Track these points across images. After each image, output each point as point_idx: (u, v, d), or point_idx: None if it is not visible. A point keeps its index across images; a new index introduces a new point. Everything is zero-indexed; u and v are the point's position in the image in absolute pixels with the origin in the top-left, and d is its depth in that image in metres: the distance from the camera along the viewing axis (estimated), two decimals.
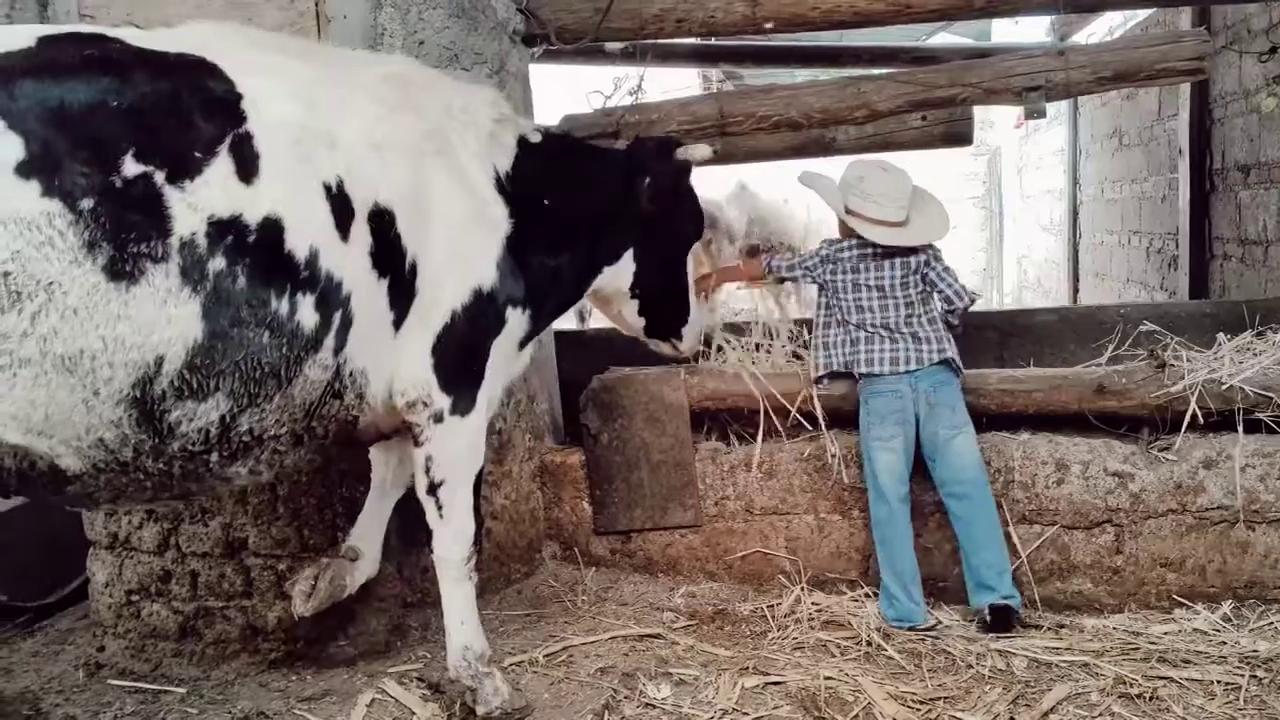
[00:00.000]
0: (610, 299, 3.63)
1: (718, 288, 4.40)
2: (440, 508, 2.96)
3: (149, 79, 2.19)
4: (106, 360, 2.08)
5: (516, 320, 3.09)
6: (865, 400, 3.75)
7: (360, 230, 2.54)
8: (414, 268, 2.72)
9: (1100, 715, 3.00)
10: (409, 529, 3.66)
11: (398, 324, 2.72)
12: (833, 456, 3.87)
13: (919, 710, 3.08)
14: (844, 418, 3.94)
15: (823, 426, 3.90)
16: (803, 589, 3.88)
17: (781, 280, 4.29)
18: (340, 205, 2.48)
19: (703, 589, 4.01)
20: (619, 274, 3.50)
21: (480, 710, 2.98)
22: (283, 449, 2.51)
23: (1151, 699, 3.07)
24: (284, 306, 2.33)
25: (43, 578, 4.01)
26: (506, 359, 3.15)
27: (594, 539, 4.15)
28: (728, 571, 4.05)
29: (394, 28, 3.55)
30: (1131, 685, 3.13)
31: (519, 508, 4.03)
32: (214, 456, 2.34)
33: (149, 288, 2.11)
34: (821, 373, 3.88)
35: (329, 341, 2.46)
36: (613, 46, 4.89)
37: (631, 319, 3.66)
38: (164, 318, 2.13)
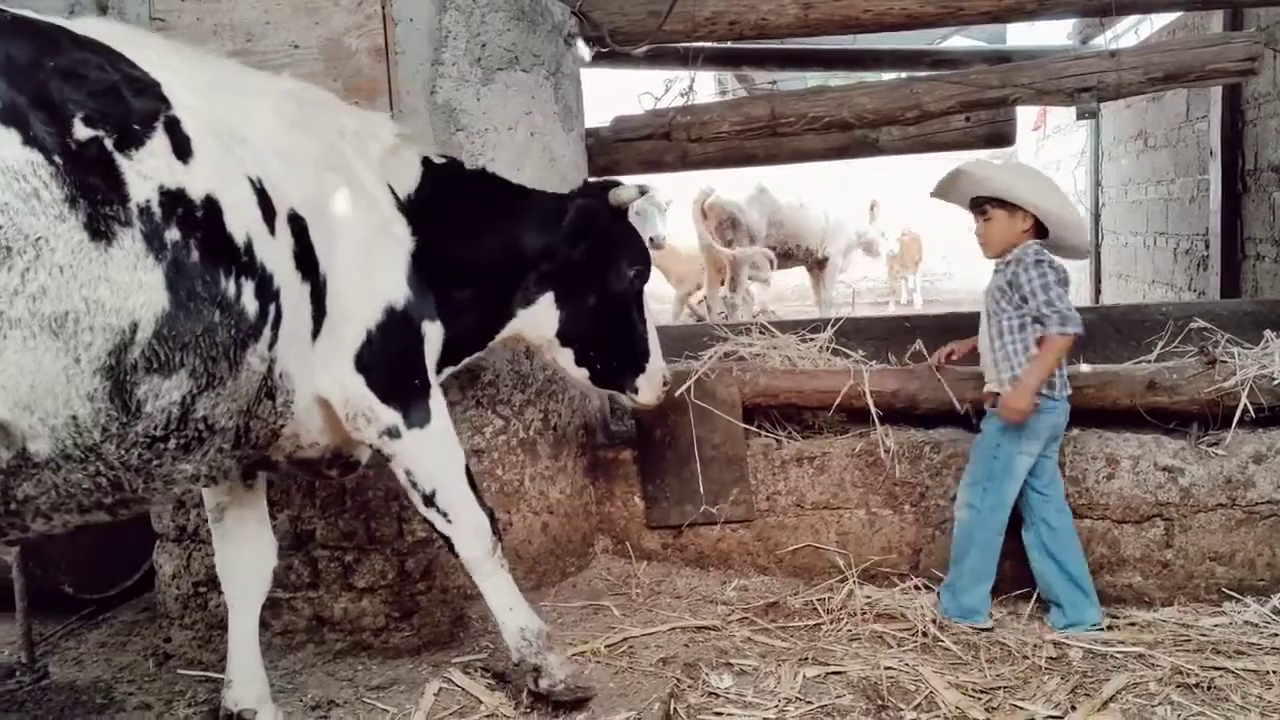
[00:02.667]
0: (540, 347, 3.44)
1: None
2: (445, 514, 2.98)
3: (76, 48, 2.15)
4: (89, 324, 2.00)
5: (435, 333, 3.04)
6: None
7: (283, 229, 2.51)
8: (324, 281, 2.67)
9: (1160, 704, 3.05)
10: None
11: (314, 335, 2.69)
12: (886, 452, 3.92)
13: (980, 699, 3.13)
14: (896, 414, 3.99)
15: (875, 422, 3.94)
16: (855, 582, 3.94)
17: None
18: (264, 200, 2.45)
19: (754, 582, 4.07)
20: (538, 319, 3.29)
21: (544, 684, 3.04)
22: (225, 446, 2.44)
23: (1209, 689, 3.12)
24: (231, 287, 2.30)
25: (104, 570, 4.07)
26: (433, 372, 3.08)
27: (646, 533, 4.20)
28: (778, 565, 4.11)
29: (458, 30, 3.62)
30: (1188, 675, 3.18)
31: (573, 502, 4.09)
32: (170, 445, 2.27)
33: (121, 250, 2.04)
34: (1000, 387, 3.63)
35: (266, 333, 2.43)
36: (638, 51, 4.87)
37: (570, 369, 3.39)
38: (136, 282, 2.07)
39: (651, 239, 9.85)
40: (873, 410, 3.94)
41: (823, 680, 3.28)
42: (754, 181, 9.85)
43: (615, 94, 5.78)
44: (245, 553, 2.97)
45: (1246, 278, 6.45)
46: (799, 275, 12.78)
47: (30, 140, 1.92)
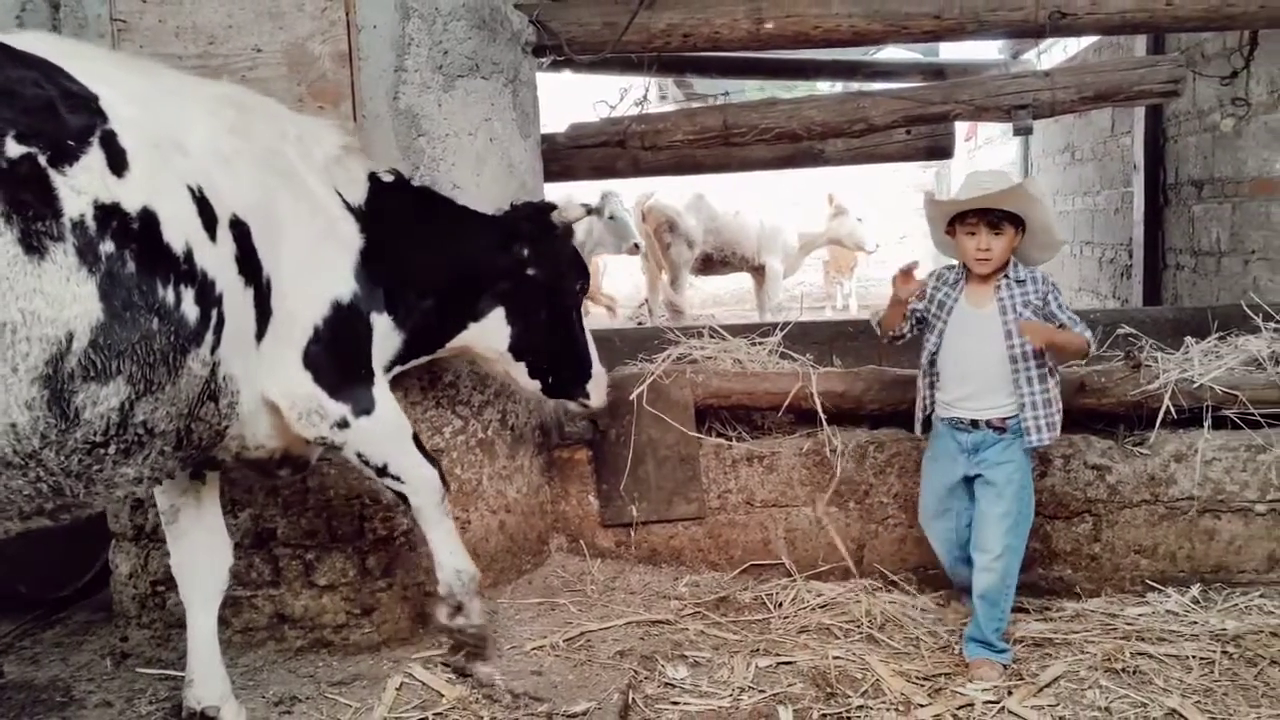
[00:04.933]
0: (490, 360, 3.57)
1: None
2: (397, 478, 3.14)
3: (13, 65, 2.19)
4: (25, 334, 2.05)
5: (383, 324, 3.14)
6: None
7: (225, 235, 2.56)
8: (269, 284, 2.74)
9: (1090, 688, 3.24)
10: None
11: (259, 337, 2.75)
12: (832, 451, 4.08)
13: (924, 686, 3.29)
14: (842, 415, 4.15)
15: (822, 423, 4.09)
16: (802, 578, 4.09)
17: None
18: (204, 209, 2.49)
19: (705, 578, 4.18)
20: (488, 332, 3.45)
21: (460, 621, 3.32)
22: (167, 449, 2.48)
23: (1135, 673, 3.32)
24: (170, 295, 2.34)
25: (59, 571, 4.05)
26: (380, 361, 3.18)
27: (600, 531, 4.31)
28: (729, 561, 4.24)
29: (420, 37, 3.69)
30: (1116, 661, 3.37)
31: (529, 501, 4.18)
32: (111, 450, 2.31)
33: (54, 264, 2.09)
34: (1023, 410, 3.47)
35: (208, 337, 2.48)
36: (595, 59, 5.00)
37: (525, 382, 3.58)
38: (70, 294, 2.11)
39: (636, 245, 9.99)
40: (820, 411, 4.09)
41: (774, 670, 3.41)
42: (691, 190, 10.06)
43: (558, 98, 5.89)
44: (201, 552, 3.02)
45: (1167, 286, 6.76)
46: (738, 279, 13.01)
47: None
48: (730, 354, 4.49)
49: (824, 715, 3.13)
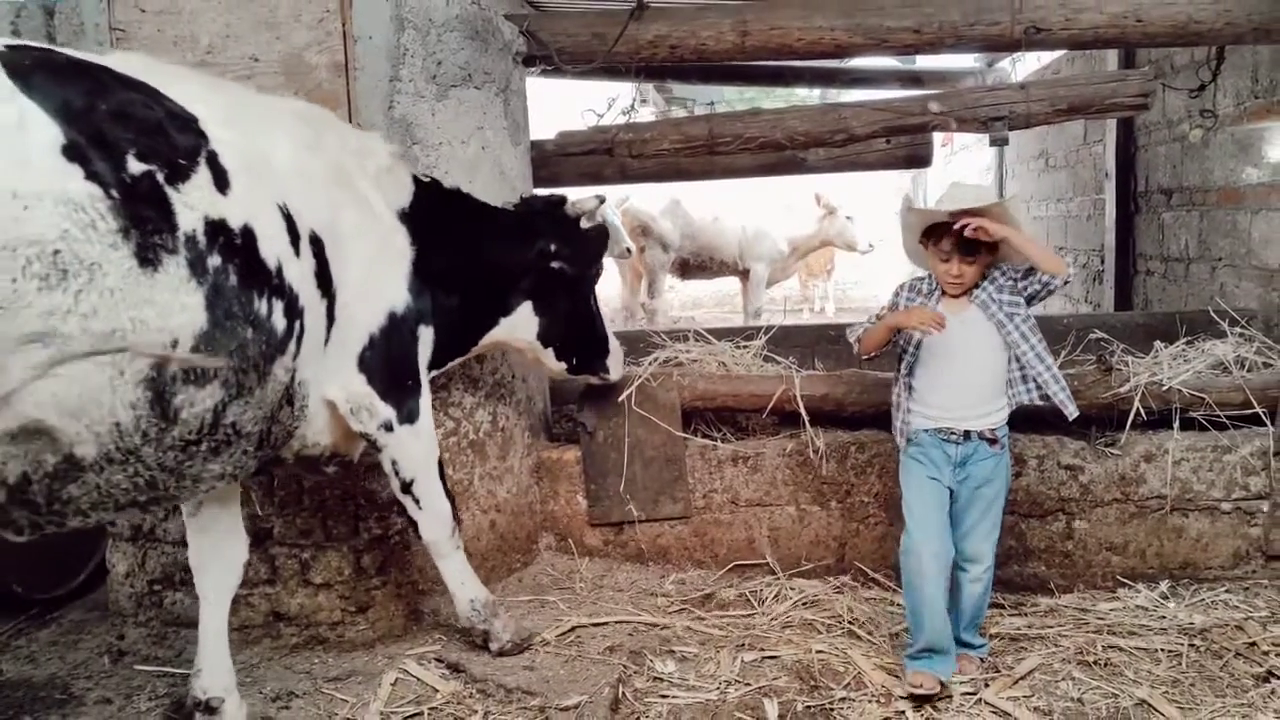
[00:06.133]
0: (523, 350, 3.80)
1: None
2: (417, 500, 3.33)
3: (123, 88, 2.30)
4: (134, 341, 2.15)
5: (428, 336, 3.33)
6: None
7: (306, 250, 2.71)
8: (335, 293, 2.89)
9: (1063, 680, 3.35)
10: None
11: (325, 344, 2.89)
12: (815, 452, 4.19)
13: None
14: (824, 416, 4.26)
15: (805, 424, 4.20)
16: (785, 575, 4.20)
17: None
18: (290, 225, 2.64)
19: (691, 576, 4.29)
20: (518, 326, 3.66)
21: (494, 646, 3.48)
22: (250, 448, 2.62)
23: (1106, 665, 3.44)
24: (263, 307, 2.48)
25: (53, 570, 4.10)
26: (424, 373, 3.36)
27: (588, 530, 4.40)
28: (714, 559, 4.34)
29: (415, 48, 3.77)
30: (1088, 654, 3.50)
31: (519, 501, 4.27)
32: (202, 448, 2.43)
33: (166, 275, 2.20)
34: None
35: (291, 347, 2.63)
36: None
37: (552, 364, 3.84)
38: (178, 304, 2.23)
39: (627, 249, 10.05)
40: (803, 413, 4.20)
41: (759, 664, 3.51)
42: (669, 194, 10.11)
43: (545, 104, 5.97)
44: (219, 548, 3.10)
45: (1138, 291, 6.93)
46: (719, 282, 13.09)
47: (91, 175, 2.07)
48: (716, 357, 4.61)
49: (808, 707, 3.23)
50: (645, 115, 4.87)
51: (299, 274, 2.64)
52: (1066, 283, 3.38)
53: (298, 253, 2.65)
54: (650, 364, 4.36)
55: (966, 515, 3.41)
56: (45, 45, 2.35)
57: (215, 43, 3.64)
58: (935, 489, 3.37)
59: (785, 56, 4.23)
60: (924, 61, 11.13)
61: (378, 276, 3.10)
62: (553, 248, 3.59)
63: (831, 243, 10.91)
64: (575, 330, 3.80)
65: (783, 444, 4.29)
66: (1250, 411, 4.03)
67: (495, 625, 3.50)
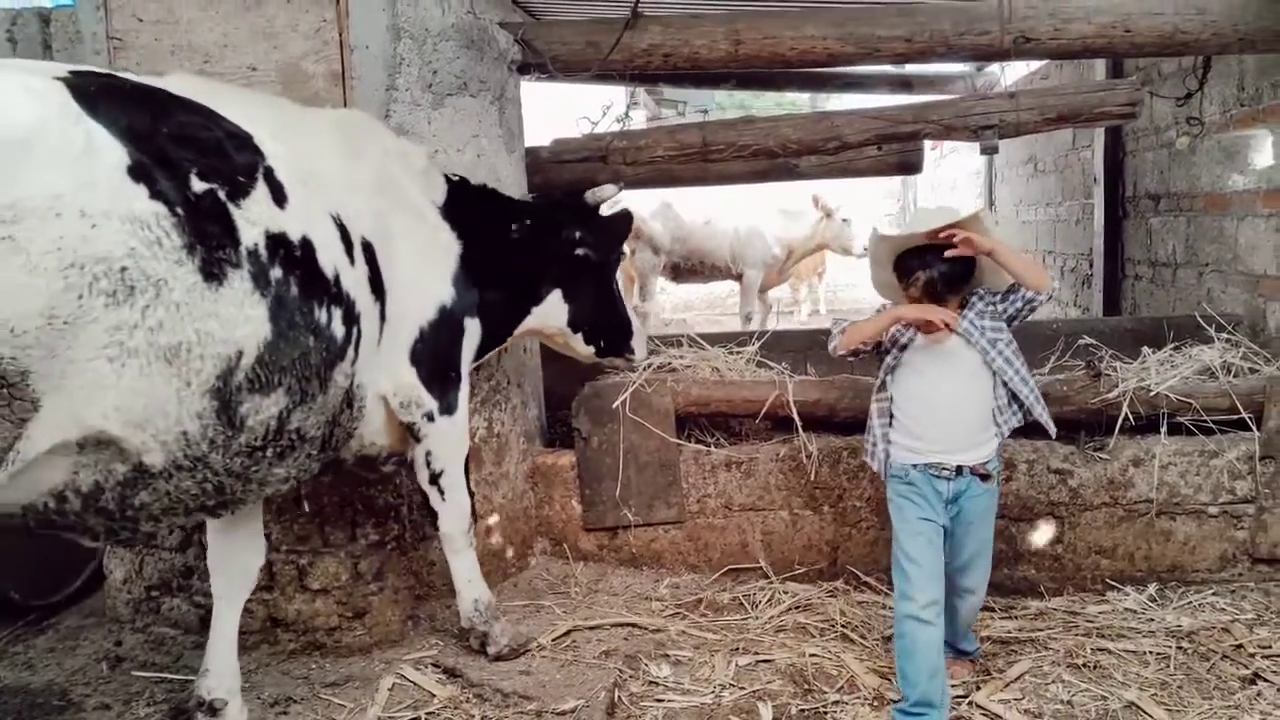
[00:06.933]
0: (553, 336, 4.01)
1: None
2: (442, 492, 3.45)
3: (182, 110, 2.39)
4: (200, 353, 2.22)
5: (474, 328, 3.48)
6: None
7: (359, 257, 2.83)
8: (387, 294, 3.01)
9: (1053, 682, 3.41)
10: (418, 526, 3.93)
11: (379, 342, 3.01)
12: (808, 457, 4.23)
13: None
14: (816, 421, 4.30)
15: (798, 429, 4.24)
16: (778, 579, 4.24)
17: None
18: (344, 234, 2.76)
19: (685, 580, 4.32)
20: (549, 314, 3.85)
21: (492, 650, 3.54)
22: (313, 453, 2.72)
23: (1095, 668, 3.49)
24: (323, 315, 2.59)
25: (49, 577, 4.11)
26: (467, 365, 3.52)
27: (583, 535, 4.43)
28: (708, 564, 4.38)
29: (411, 57, 3.80)
30: (1077, 656, 3.55)
31: (514, 506, 4.30)
32: (268, 453, 2.52)
33: (230, 289, 2.28)
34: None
35: (350, 353, 2.73)
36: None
37: (581, 349, 4.05)
38: (242, 316, 2.31)
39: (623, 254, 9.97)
40: (796, 418, 4.24)
41: (753, 668, 3.55)
42: (660, 196, 10.04)
43: (538, 109, 6.00)
44: (238, 550, 3.16)
45: (1126, 295, 6.99)
46: (710, 285, 13.06)
47: (156, 194, 2.14)
48: (709, 363, 4.64)
49: (801, 710, 3.27)
50: (636, 115, 4.89)
51: (354, 281, 2.75)
52: (1050, 298, 3.30)
53: (352, 260, 2.75)
54: (644, 370, 4.39)
55: (963, 550, 3.29)
56: (109, 70, 2.41)
57: (213, 52, 3.67)
58: (931, 533, 3.17)
59: (778, 65, 4.27)
60: (914, 66, 11.24)
61: (427, 272, 3.25)
62: (578, 235, 3.77)
63: (827, 246, 10.74)
64: (602, 314, 4.00)
65: (776, 449, 4.33)
66: (1236, 417, 4.08)
67: (495, 629, 3.56)
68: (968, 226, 3.09)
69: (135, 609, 3.76)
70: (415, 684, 3.43)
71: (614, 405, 4.25)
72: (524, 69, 4.41)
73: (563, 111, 5.56)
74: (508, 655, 3.53)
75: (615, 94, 6.20)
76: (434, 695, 3.35)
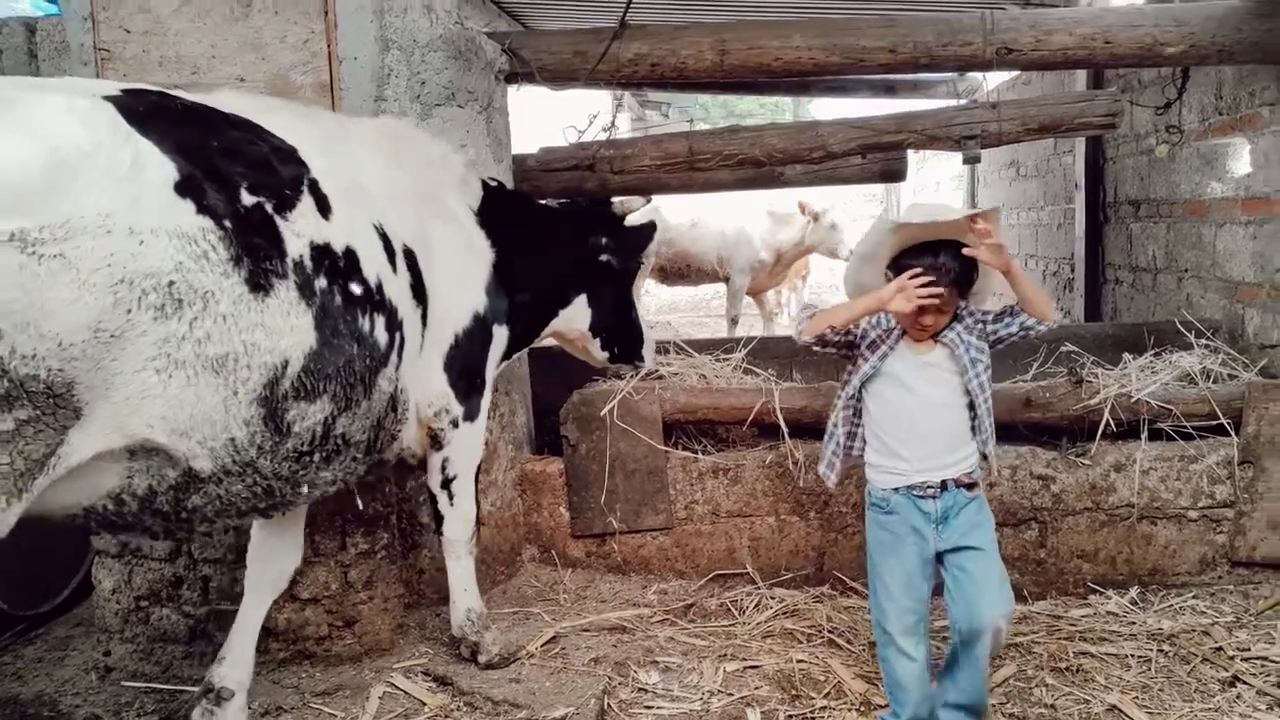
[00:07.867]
0: (573, 340, 4.11)
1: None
2: (452, 497, 3.51)
3: (230, 127, 2.46)
4: (246, 363, 2.27)
5: (501, 335, 3.55)
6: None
7: (401, 265, 2.89)
8: (428, 301, 3.09)
9: (1037, 686, 3.46)
10: (408, 534, 3.94)
11: (420, 349, 3.10)
12: (794, 464, 4.27)
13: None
14: (803, 428, 4.34)
15: (784, 436, 4.28)
16: (765, 585, 4.27)
17: None
18: (386, 244, 2.82)
19: (673, 586, 4.36)
20: (574, 317, 3.97)
21: (482, 659, 3.56)
22: (359, 455, 2.79)
23: (1078, 671, 3.55)
24: (367, 324, 2.64)
25: (36, 587, 4.11)
26: (491, 370, 3.60)
27: (571, 542, 4.46)
28: (695, 569, 4.41)
29: (399, 68, 3.82)
30: (1060, 660, 3.60)
31: (503, 514, 4.32)
32: (315, 458, 2.57)
33: (277, 300, 2.33)
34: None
35: (393, 359, 2.80)
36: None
37: (597, 353, 4.16)
38: (288, 326, 2.36)
39: None
40: (782, 425, 4.28)
41: (741, 674, 3.59)
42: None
43: (525, 115, 6.02)
44: (277, 549, 3.23)
45: (1107, 299, 7.06)
46: (698, 287, 13.03)
47: (203, 209, 2.18)
48: (696, 370, 4.68)
49: (790, 716, 3.31)
50: (620, 118, 4.90)
51: (397, 289, 2.80)
52: (1048, 330, 3.15)
53: (394, 269, 2.80)
54: (631, 377, 4.42)
55: (967, 573, 2.99)
56: (160, 89, 2.45)
57: (201, 63, 3.68)
58: (909, 555, 3.04)
59: (764, 76, 4.32)
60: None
61: (463, 279, 3.32)
62: (604, 241, 3.88)
63: (815, 249, 10.67)
64: (620, 320, 4.11)
65: (762, 455, 4.37)
66: (1216, 422, 4.15)
67: (485, 638, 3.58)
68: (989, 220, 2.92)
69: (124, 619, 3.75)
70: (406, 692, 3.44)
71: (602, 413, 4.28)
72: (511, 79, 4.43)
73: (553, 117, 5.58)
74: (498, 664, 3.55)
75: (602, 102, 6.22)
76: (424, 703, 3.36)
